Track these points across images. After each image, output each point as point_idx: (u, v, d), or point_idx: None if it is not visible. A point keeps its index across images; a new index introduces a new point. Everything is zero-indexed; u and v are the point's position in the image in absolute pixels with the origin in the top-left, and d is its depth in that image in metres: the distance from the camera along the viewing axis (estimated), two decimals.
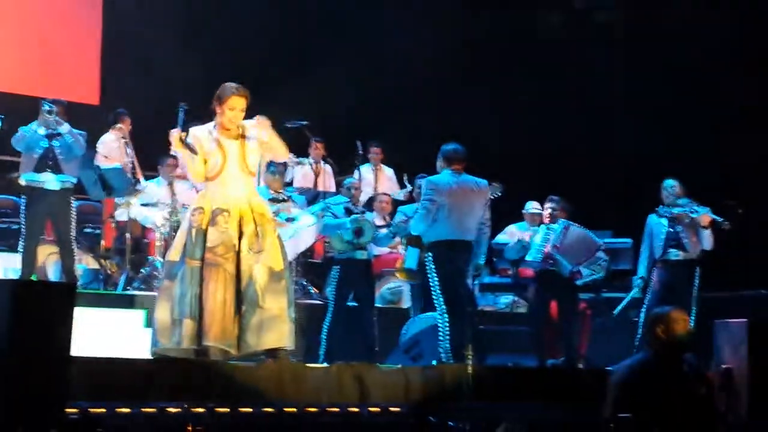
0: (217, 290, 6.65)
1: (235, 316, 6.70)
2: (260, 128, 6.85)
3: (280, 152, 7.15)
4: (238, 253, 6.73)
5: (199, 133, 6.88)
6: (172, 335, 6.71)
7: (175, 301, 6.72)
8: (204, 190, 6.99)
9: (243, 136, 6.87)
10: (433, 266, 8.13)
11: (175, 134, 6.74)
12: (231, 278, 6.70)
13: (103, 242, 10.29)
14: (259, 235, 6.78)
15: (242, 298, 6.71)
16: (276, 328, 6.72)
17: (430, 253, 8.18)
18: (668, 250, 9.22)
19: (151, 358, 6.78)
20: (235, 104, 6.84)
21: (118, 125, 10.94)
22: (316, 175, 11.69)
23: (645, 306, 9.19)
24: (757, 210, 10.12)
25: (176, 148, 6.90)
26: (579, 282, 9.29)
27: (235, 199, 6.81)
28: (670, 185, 9.41)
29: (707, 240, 9.24)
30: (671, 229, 9.24)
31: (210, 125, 6.92)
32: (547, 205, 9.44)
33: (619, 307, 9.80)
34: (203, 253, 6.71)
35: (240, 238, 6.75)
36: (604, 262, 9.34)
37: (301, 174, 11.75)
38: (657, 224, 9.36)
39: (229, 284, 6.69)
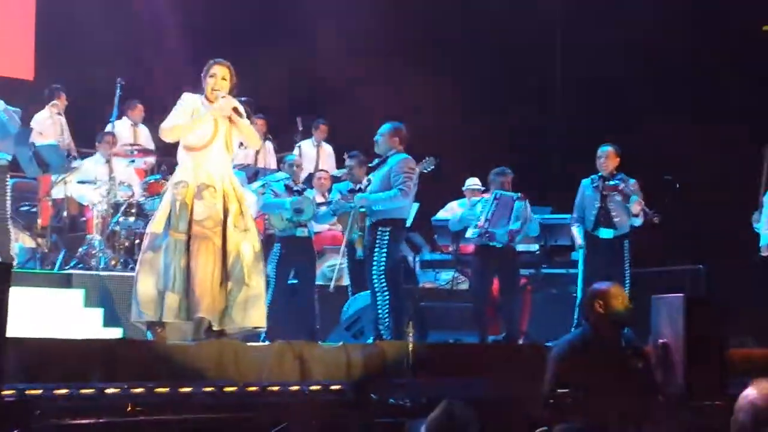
0: (207, 263, 6.68)
1: (221, 292, 6.74)
2: (224, 106, 6.85)
3: (252, 139, 7.16)
4: (224, 230, 6.75)
5: (191, 98, 6.93)
6: (157, 307, 6.72)
7: (159, 274, 6.72)
8: (186, 162, 6.93)
9: (233, 114, 6.89)
10: (388, 243, 8.05)
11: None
12: (218, 252, 6.73)
13: (39, 220, 10.14)
14: (243, 213, 6.84)
15: (228, 275, 6.75)
16: (259, 306, 6.85)
17: (387, 230, 8.09)
18: (598, 227, 9.22)
19: (90, 338, 6.72)
20: (215, 71, 6.90)
21: (54, 101, 10.78)
22: (257, 151, 11.63)
23: (581, 281, 9.22)
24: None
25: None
26: (518, 238, 9.25)
27: (218, 176, 6.85)
28: (604, 151, 9.30)
29: (637, 220, 9.28)
30: (602, 206, 9.21)
31: (200, 97, 6.96)
32: (499, 178, 9.37)
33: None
34: (188, 226, 6.72)
35: (225, 215, 6.78)
36: (524, 206, 9.24)
37: (243, 151, 11.68)
38: (590, 197, 9.30)
39: (218, 258, 6.73)
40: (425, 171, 8.94)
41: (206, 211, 6.74)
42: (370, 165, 8.37)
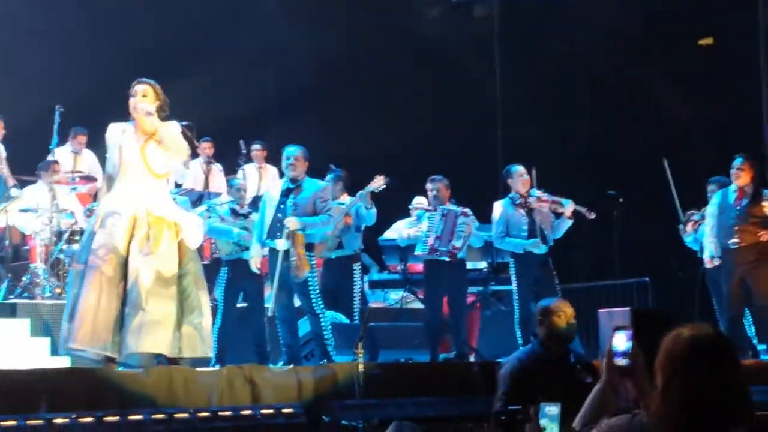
0: (90, 293, 6.56)
1: (116, 321, 6.59)
2: (141, 118, 6.78)
3: (175, 150, 6.97)
4: (127, 257, 6.62)
5: (113, 127, 6.88)
6: (61, 338, 6.68)
7: (66, 305, 6.70)
8: (105, 192, 6.96)
9: (151, 138, 6.81)
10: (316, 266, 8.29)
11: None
12: (108, 281, 6.59)
13: None
14: (150, 238, 6.67)
15: (126, 300, 6.61)
16: (156, 333, 6.62)
17: (313, 254, 8.31)
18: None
19: (36, 368, 6.63)
20: (136, 89, 6.86)
21: None
22: (206, 175, 11.57)
23: (517, 300, 9.24)
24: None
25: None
26: (460, 255, 9.28)
27: (131, 203, 6.73)
28: (519, 171, 9.34)
29: (562, 231, 9.34)
30: (531, 219, 9.24)
31: (126, 124, 6.90)
32: (429, 186, 9.43)
33: None
34: (88, 255, 6.64)
35: (131, 241, 6.65)
36: (467, 222, 9.30)
37: (192, 175, 11.64)
38: (514, 215, 9.30)
39: (106, 287, 6.58)
40: (377, 191, 8.97)
41: (102, 239, 6.65)
42: (287, 187, 8.33)
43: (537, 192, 9.25)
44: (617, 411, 3.14)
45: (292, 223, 8.06)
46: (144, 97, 6.83)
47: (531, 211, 9.23)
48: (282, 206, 8.20)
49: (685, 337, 2.91)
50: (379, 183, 9.19)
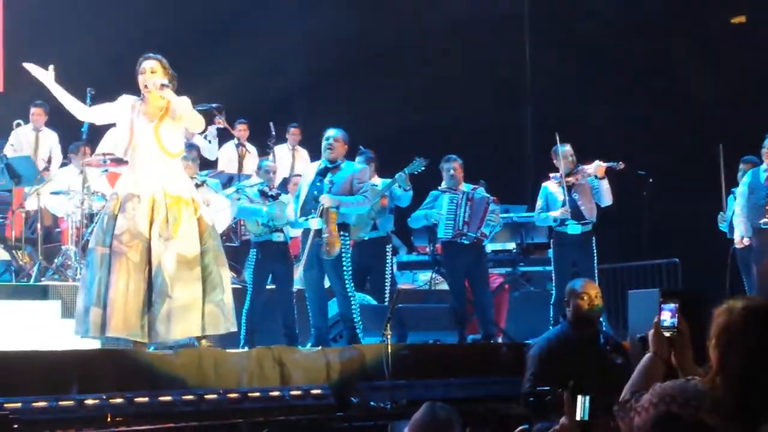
0: (119, 279, 6.51)
1: (144, 306, 6.55)
2: (154, 92, 6.70)
3: (191, 123, 6.93)
4: (149, 241, 6.58)
5: (122, 100, 6.81)
6: (82, 323, 6.60)
7: (86, 289, 6.63)
8: (123, 173, 6.89)
9: (165, 115, 6.73)
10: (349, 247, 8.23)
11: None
12: (135, 267, 6.53)
13: (13, 232, 10.06)
14: (169, 221, 6.62)
15: (151, 287, 6.56)
16: (185, 318, 6.59)
17: (347, 234, 8.23)
18: (565, 221, 9.24)
19: (67, 350, 6.68)
20: (143, 66, 6.76)
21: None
22: (241, 157, 11.60)
23: (554, 279, 9.23)
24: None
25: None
26: (486, 242, 9.29)
27: (148, 184, 6.66)
28: (564, 150, 9.31)
29: (605, 195, 9.26)
30: (567, 197, 9.18)
31: (138, 99, 6.82)
32: (446, 165, 9.38)
33: None
34: (112, 240, 6.58)
35: (152, 224, 6.60)
36: (497, 210, 9.30)
37: (226, 157, 11.67)
38: (552, 193, 9.27)
39: (133, 273, 6.53)
40: (415, 173, 8.93)
41: (125, 225, 6.59)
42: (324, 167, 8.31)
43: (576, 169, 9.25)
44: (666, 381, 3.16)
45: (326, 200, 8.03)
46: (153, 73, 6.71)
47: (570, 189, 9.19)
48: (318, 184, 8.20)
49: (739, 308, 2.95)
50: (417, 165, 9.17)
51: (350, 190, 8.17)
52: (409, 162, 9.26)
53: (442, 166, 9.40)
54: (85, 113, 6.95)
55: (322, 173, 8.24)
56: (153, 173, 6.69)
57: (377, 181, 9.66)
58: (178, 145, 6.88)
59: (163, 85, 6.66)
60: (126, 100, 6.83)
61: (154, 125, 6.73)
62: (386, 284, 9.57)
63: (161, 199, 6.64)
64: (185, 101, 6.77)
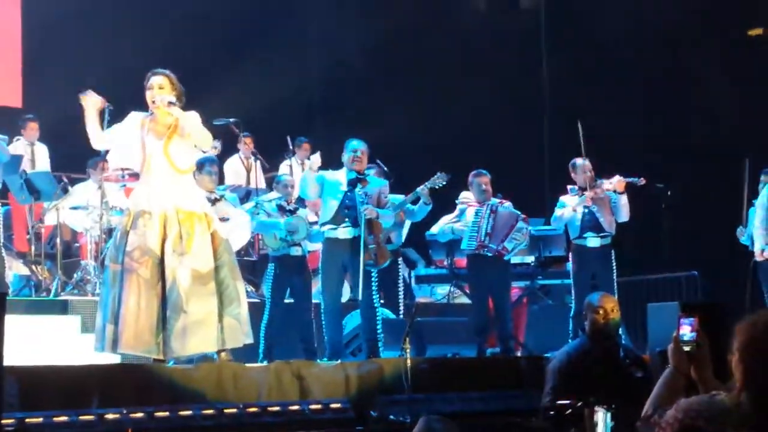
0: (130, 296, 6.49)
1: (158, 322, 6.54)
2: (161, 111, 6.66)
3: (199, 140, 6.83)
4: (162, 257, 6.56)
5: (131, 117, 6.79)
6: (99, 340, 6.61)
7: (101, 306, 6.65)
8: (135, 189, 6.89)
9: (174, 133, 6.70)
10: None
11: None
12: (146, 283, 6.52)
13: (32, 247, 10.09)
14: (183, 237, 6.59)
15: (166, 303, 6.54)
16: (200, 333, 6.57)
17: None
18: (584, 234, 9.23)
19: (87, 364, 6.69)
20: (151, 82, 6.72)
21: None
22: (248, 170, 11.63)
23: (573, 293, 9.22)
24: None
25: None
26: (507, 257, 9.28)
27: (159, 201, 6.64)
28: (583, 164, 9.29)
29: (623, 210, 9.24)
30: (586, 210, 9.19)
31: (147, 115, 6.79)
32: (476, 180, 9.36)
33: None
34: (123, 257, 6.57)
35: (165, 241, 6.58)
36: (525, 230, 9.30)
37: (232, 171, 11.69)
38: (570, 207, 9.25)
39: (144, 289, 6.51)
40: (437, 187, 8.96)
41: (136, 241, 6.57)
42: (353, 177, 8.35)
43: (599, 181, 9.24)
44: (687, 396, 3.15)
45: (372, 212, 8.18)
46: (161, 89, 6.68)
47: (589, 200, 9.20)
48: (350, 194, 8.26)
49: (763, 322, 2.93)
50: (439, 179, 9.17)
51: (378, 204, 8.29)
52: (426, 176, 9.27)
53: (473, 180, 9.37)
54: (102, 141, 6.91)
55: (352, 184, 8.30)
56: (164, 189, 6.67)
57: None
58: (188, 162, 6.85)
59: (170, 103, 6.62)
60: (135, 117, 6.81)
61: (163, 143, 6.70)
62: (400, 296, 9.61)
63: (173, 215, 6.62)
64: (194, 117, 6.72)
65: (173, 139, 6.72)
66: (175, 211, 6.63)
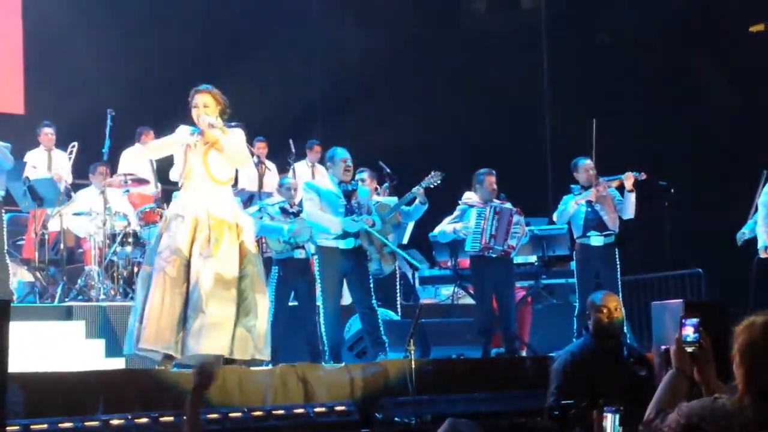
0: (155, 293, 6.59)
1: (179, 321, 6.61)
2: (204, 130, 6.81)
3: (236, 160, 6.98)
4: (189, 259, 6.66)
5: (182, 131, 6.90)
6: (126, 342, 6.73)
7: (132, 310, 6.79)
8: (176, 197, 7.05)
9: (213, 146, 6.82)
10: None
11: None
12: (172, 281, 6.61)
13: (36, 254, 10.09)
14: (211, 241, 6.68)
15: (187, 302, 6.63)
16: (215, 335, 6.59)
17: None
18: (588, 233, 9.24)
19: (92, 370, 6.71)
20: (197, 101, 6.85)
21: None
22: (261, 175, 11.63)
23: (577, 292, 9.23)
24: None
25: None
26: (512, 255, 9.27)
27: (193, 206, 6.76)
28: (584, 163, 9.35)
29: (630, 209, 9.25)
30: (589, 209, 9.23)
31: (194, 131, 6.90)
32: (481, 179, 9.30)
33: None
34: (155, 258, 6.73)
35: (193, 243, 6.68)
36: (521, 222, 9.25)
37: (245, 175, 11.71)
38: (574, 206, 9.29)
39: (170, 287, 6.60)
40: (431, 186, 8.95)
41: (166, 242, 6.70)
42: (347, 189, 8.42)
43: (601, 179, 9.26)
44: (690, 397, 3.14)
45: (371, 222, 8.34)
46: (206, 107, 6.82)
47: (591, 202, 9.20)
48: (349, 206, 8.37)
49: (760, 324, 2.92)
50: (434, 178, 9.19)
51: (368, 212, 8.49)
52: (425, 176, 9.29)
53: (479, 179, 9.36)
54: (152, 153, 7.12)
55: (347, 196, 8.37)
56: (200, 196, 6.80)
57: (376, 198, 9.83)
58: (227, 173, 6.97)
59: (210, 125, 6.77)
60: (184, 131, 6.92)
61: (202, 152, 6.84)
62: (398, 297, 9.66)
63: (205, 219, 6.74)
64: (236, 136, 6.90)
65: (211, 151, 6.85)
66: (207, 216, 6.75)
